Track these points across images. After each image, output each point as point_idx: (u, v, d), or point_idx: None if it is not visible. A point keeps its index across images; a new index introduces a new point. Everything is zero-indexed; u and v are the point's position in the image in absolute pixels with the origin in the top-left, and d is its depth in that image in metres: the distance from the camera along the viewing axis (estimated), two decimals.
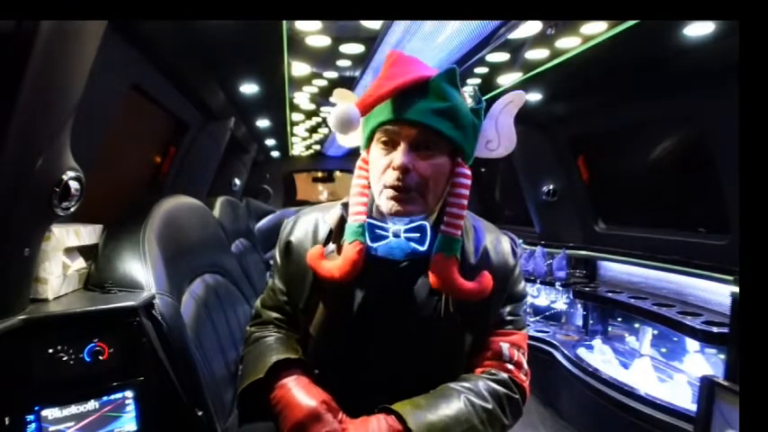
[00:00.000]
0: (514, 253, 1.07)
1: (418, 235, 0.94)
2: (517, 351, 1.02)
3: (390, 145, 0.93)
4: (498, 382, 0.98)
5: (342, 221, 1.01)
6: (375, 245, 0.96)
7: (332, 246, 1.01)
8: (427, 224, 0.95)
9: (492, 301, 0.99)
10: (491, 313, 1.02)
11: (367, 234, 0.95)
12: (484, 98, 1.03)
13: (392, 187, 0.91)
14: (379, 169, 0.94)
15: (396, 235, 0.95)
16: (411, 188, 0.91)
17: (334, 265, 0.95)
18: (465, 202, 0.96)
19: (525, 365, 1.04)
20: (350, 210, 0.99)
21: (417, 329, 0.97)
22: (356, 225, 0.95)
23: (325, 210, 1.09)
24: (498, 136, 1.01)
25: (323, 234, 1.05)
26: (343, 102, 0.95)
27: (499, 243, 1.06)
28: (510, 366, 1.01)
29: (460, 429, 0.89)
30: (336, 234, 1.01)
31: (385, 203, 0.93)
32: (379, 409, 0.92)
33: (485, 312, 1.00)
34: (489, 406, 0.93)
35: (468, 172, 0.98)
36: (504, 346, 1.01)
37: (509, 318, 1.04)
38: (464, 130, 0.94)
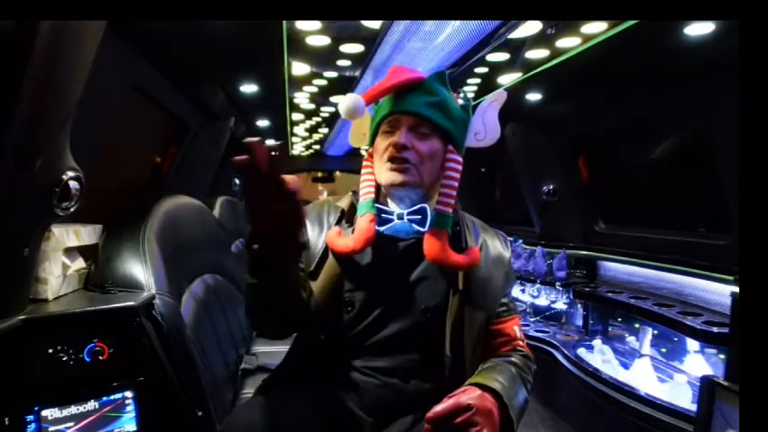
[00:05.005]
0: (506, 247, 1.25)
1: (419, 217, 1.09)
2: (520, 330, 1.23)
3: (392, 132, 1.09)
4: (525, 356, 1.19)
5: (353, 205, 1.17)
6: (382, 228, 1.09)
7: (345, 223, 1.15)
8: (428, 207, 1.09)
9: (496, 285, 1.17)
10: (494, 299, 1.16)
11: (375, 212, 1.09)
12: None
13: (392, 159, 1.07)
14: (382, 150, 1.09)
15: (400, 218, 1.09)
16: (408, 161, 1.06)
17: (349, 238, 1.07)
18: (456, 183, 1.10)
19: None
20: (360, 193, 1.15)
21: (416, 300, 1.09)
22: (366, 201, 1.11)
23: (335, 200, 1.24)
24: (485, 128, 1.17)
25: (333, 217, 1.18)
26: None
27: (493, 239, 1.24)
28: (521, 343, 1.21)
29: (521, 397, 1.08)
30: (349, 215, 1.16)
31: (385, 175, 1.08)
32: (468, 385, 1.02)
33: (489, 298, 1.15)
34: (530, 378, 1.16)
35: (459, 158, 1.12)
36: (516, 329, 1.21)
37: (511, 305, 1.22)
38: (453, 121, 1.10)
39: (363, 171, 1.17)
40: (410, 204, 1.10)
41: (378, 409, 1.07)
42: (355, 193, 1.19)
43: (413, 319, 1.08)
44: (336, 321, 1.09)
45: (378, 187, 1.14)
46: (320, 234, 1.14)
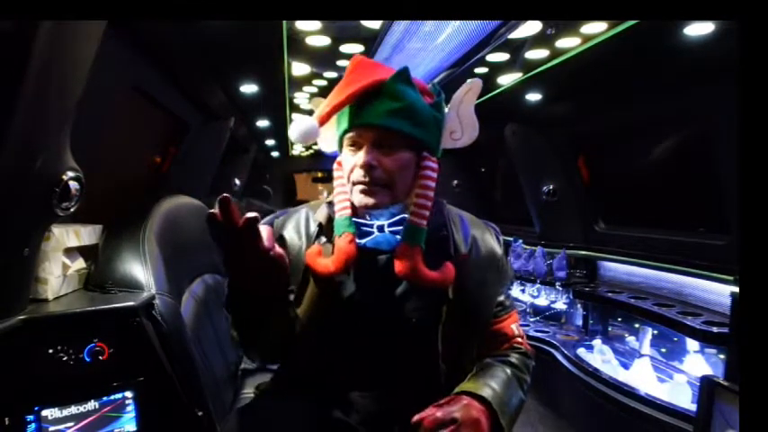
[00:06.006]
0: (499, 242, 1.17)
1: (401, 227, 1.00)
2: (518, 326, 1.19)
3: (357, 147, 1.01)
4: (523, 354, 1.17)
5: (330, 219, 1.07)
6: (363, 241, 1.01)
7: (324, 239, 1.07)
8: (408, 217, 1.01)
9: (489, 289, 1.12)
10: (489, 302, 1.12)
11: (354, 230, 1.02)
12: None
13: (360, 182, 0.99)
14: (348, 169, 1.02)
15: (380, 230, 1.01)
16: (377, 182, 0.98)
17: (329, 259, 1.00)
18: (431, 193, 1.02)
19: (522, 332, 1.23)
20: (335, 207, 1.05)
21: (405, 315, 1.03)
22: (344, 218, 1.02)
23: (313, 208, 1.15)
24: (461, 125, 1.06)
25: (312, 230, 1.10)
26: (313, 111, 1.02)
27: (484, 234, 1.15)
28: (520, 340, 1.18)
29: (516, 399, 1.06)
30: (327, 230, 1.07)
31: (356, 198, 1.01)
32: (457, 393, 1.00)
33: (484, 302, 1.11)
34: (527, 377, 1.13)
35: (435, 165, 1.03)
36: (513, 327, 1.17)
37: (507, 303, 1.17)
38: (423, 125, 1.00)
39: (336, 182, 1.07)
40: (390, 216, 1.02)
41: (373, 422, 1.04)
42: (330, 204, 1.09)
43: (404, 333, 1.03)
44: (326, 338, 1.04)
45: None
46: (300, 249, 1.07)
